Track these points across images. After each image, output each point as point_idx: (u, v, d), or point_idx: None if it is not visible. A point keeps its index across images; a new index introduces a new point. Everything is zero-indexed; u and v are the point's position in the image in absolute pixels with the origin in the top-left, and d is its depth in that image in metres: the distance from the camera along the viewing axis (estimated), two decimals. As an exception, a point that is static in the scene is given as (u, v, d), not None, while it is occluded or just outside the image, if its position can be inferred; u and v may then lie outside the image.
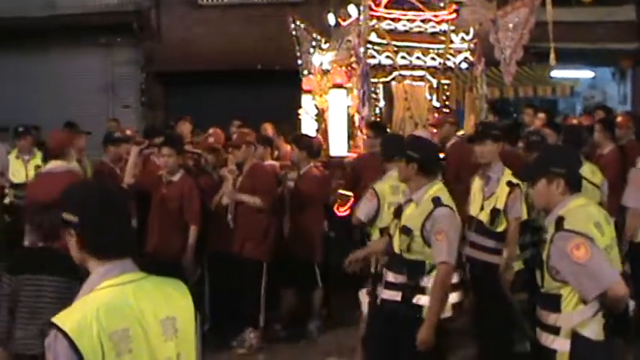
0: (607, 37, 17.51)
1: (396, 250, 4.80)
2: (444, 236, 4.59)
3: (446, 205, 4.71)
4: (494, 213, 5.92)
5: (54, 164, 6.46)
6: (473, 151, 6.27)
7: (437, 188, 4.82)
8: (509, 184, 5.87)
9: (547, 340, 3.90)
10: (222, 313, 7.41)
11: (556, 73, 15.38)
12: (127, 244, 2.50)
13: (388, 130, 8.47)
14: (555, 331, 3.85)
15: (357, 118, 8.57)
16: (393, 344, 4.87)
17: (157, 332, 2.41)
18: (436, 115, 8.82)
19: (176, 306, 2.48)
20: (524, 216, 5.99)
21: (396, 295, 4.78)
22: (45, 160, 6.82)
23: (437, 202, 4.69)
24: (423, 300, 4.68)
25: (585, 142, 7.42)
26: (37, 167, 9.45)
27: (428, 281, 4.67)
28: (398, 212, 4.89)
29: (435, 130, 8.86)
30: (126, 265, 2.46)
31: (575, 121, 10.91)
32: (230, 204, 7.09)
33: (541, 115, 9.93)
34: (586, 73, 19.01)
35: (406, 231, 4.71)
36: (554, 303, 3.84)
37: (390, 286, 4.84)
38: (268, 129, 10.12)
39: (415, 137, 5.41)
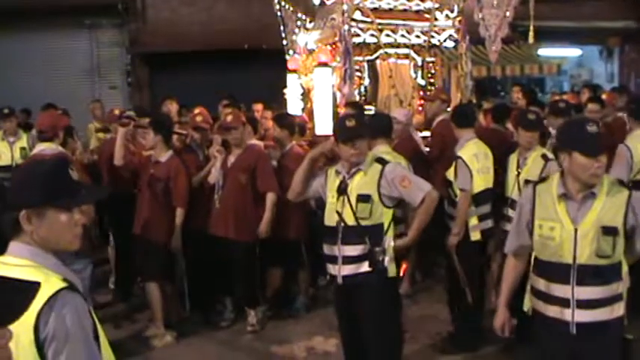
0: (594, 15, 17.54)
1: (350, 222, 4.81)
2: (407, 180, 4.85)
3: (389, 161, 4.99)
4: (448, 183, 6.38)
5: (44, 146, 6.45)
6: None
7: (373, 153, 5.13)
8: (455, 157, 6.30)
9: (600, 314, 3.83)
10: (202, 291, 7.46)
11: (543, 52, 15.39)
12: (7, 228, 2.47)
13: (373, 108, 8.48)
14: (613, 299, 3.83)
15: (338, 96, 8.55)
16: (359, 322, 4.98)
17: None
18: (421, 92, 8.86)
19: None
20: (478, 187, 6.26)
21: (360, 267, 4.84)
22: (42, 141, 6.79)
23: (382, 160, 4.93)
24: (386, 261, 4.86)
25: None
26: (23, 149, 9.42)
27: (386, 242, 4.85)
28: (343, 189, 4.86)
29: (420, 108, 8.91)
30: (12, 247, 2.46)
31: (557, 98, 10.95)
32: (217, 183, 7.05)
33: (520, 96, 9.98)
34: (573, 52, 19.05)
35: (364, 198, 4.80)
36: (616, 271, 3.83)
37: (352, 260, 4.86)
38: (259, 109, 10.11)
39: (371, 115, 5.68)
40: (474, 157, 6.27)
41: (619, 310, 3.84)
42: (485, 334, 6.50)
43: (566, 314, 3.82)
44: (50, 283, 2.34)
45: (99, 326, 2.45)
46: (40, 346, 2.28)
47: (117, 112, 8.79)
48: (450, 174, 6.40)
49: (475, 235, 6.34)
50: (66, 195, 2.48)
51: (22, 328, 2.27)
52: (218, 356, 6.71)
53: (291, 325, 7.33)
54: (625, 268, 3.86)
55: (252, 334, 7.07)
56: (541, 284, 3.94)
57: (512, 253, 4.23)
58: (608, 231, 3.73)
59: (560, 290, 3.84)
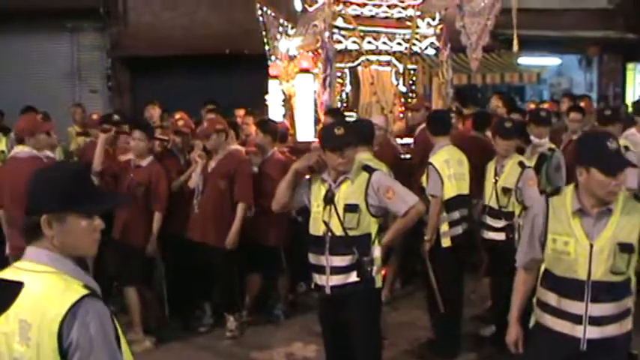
0: (574, 25, 17.69)
1: (338, 232, 4.75)
2: (392, 191, 4.79)
3: (376, 169, 4.94)
4: (421, 190, 6.31)
5: (19, 149, 6.44)
6: None
7: (359, 159, 5.04)
8: (427, 163, 6.39)
9: (611, 330, 3.77)
10: (181, 296, 7.44)
11: (523, 60, 15.50)
12: (25, 233, 2.46)
13: (354, 114, 8.50)
14: (623, 315, 3.80)
15: (317, 102, 8.56)
16: (344, 331, 4.95)
17: (13, 328, 2.34)
18: (402, 99, 8.91)
19: (39, 315, 2.29)
20: (449, 194, 6.30)
21: (348, 277, 4.79)
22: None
23: (368, 168, 4.87)
24: (374, 271, 4.83)
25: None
26: (2, 152, 9.34)
27: (375, 251, 4.83)
28: (330, 198, 4.79)
29: (401, 115, 8.95)
30: (30, 253, 2.44)
31: (532, 106, 11.07)
32: (197, 188, 7.04)
33: (500, 104, 10.05)
34: (553, 60, 19.19)
35: (352, 208, 4.74)
36: (627, 287, 3.79)
37: (340, 270, 4.81)
38: (241, 114, 10.11)
39: (353, 122, 5.98)
40: (444, 163, 6.29)
41: (627, 324, 3.82)
42: (465, 341, 6.56)
43: (578, 331, 3.75)
44: (72, 290, 2.32)
45: (120, 330, 2.43)
46: (63, 354, 2.27)
47: (95, 116, 8.75)
48: (424, 180, 6.43)
49: (446, 242, 6.34)
50: (87, 201, 2.46)
51: (45, 335, 2.26)
52: (197, 362, 6.70)
53: (271, 331, 7.32)
54: (633, 281, 3.83)
55: (231, 339, 7.05)
56: (551, 299, 3.85)
57: (523, 267, 4.11)
58: (625, 248, 3.67)
59: (573, 306, 3.75)
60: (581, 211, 3.73)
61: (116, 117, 8.23)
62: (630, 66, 19.80)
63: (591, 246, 3.68)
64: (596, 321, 3.72)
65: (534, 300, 4.03)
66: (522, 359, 4.14)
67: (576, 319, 3.75)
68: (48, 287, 2.33)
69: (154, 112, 9.47)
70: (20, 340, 2.32)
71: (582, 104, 9.07)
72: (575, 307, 3.74)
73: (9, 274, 2.43)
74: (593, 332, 3.73)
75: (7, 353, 2.36)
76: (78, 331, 2.26)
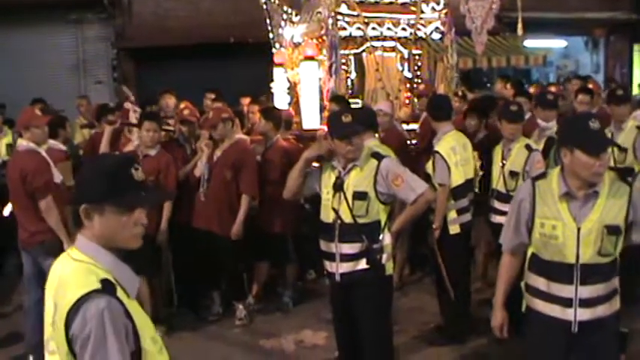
0: (580, 6, 17.56)
1: (347, 220, 4.78)
2: (401, 178, 4.77)
3: (385, 156, 4.94)
4: (426, 177, 6.24)
5: (18, 143, 6.47)
6: None
7: (368, 146, 5.03)
8: (433, 151, 6.34)
9: (601, 310, 3.80)
10: (190, 285, 7.49)
11: (529, 43, 15.39)
12: (73, 220, 2.55)
13: (359, 101, 8.48)
14: (611, 294, 3.83)
15: (323, 90, 8.54)
16: (355, 318, 4.97)
17: (49, 310, 2.44)
18: (408, 85, 8.88)
19: (60, 301, 2.37)
20: (456, 181, 6.27)
21: (357, 264, 4.81)
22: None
23: (377, 156, 4.86)
24: (384, 258, 4.84)
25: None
26: (9, 146, 9.36)
27: (384, 238, 4.83)
28: (339, 185, 4.80)
29: (407, 101, 8.93)
30: (77, 240, 2.52)
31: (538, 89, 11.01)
32: (202, 177, 7.05)
33: (508, 86, 10.00)
34: (559, 43, 19.09)
35: (361, 196, 4.75)
36: (615, 267, 3.82)
37: (349, 257, 4.83)
38: (246, 103, 10.09)
39: (356, 109, 5.94)
40: (451, 150, 6.27)
41: (616, 304, 3.84)
42: (474, 326, 6.56)
43: (569, 314, 3.77)
44: (87, 282, 2.35)
45: (139, 324, 2.41)
46: (69, 343, 2.32)
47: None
48: (429, 167, 6.41)
49: (454, 229, 6.34)
50: (128, 193, 2.47)
51: (60, 322, 2.33)
52: (207, 350, 6.70)
53: (280, 319, 7.35)
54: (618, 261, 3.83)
55: (240, 327, 7.08)
56: (540, 283, 3.86)
57: (509, 251, 4.10)
58: (612, 230, 3.67)
59: (562, 290, 3.77)
60: (568, 194, 3.72)
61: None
62: (637, 47, 19.64)
63: (578, 229, 3.68)
64: (586, 303, 3.74)
65: (523, 285, 4.03)
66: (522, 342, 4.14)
67: (566, 302, 3.77)
68: (73, 276, 2.39)
69: (169, 102, 9.39)
70: (52, 321, 2.41)
71: (590, 86, 9.01)
72: (564, 290, 3.76)
73: (62, 258, 2.52)
74: (584, 314, 3.75)
75: (45, 332, 2.48)
76: (78, 326, 2.28)
